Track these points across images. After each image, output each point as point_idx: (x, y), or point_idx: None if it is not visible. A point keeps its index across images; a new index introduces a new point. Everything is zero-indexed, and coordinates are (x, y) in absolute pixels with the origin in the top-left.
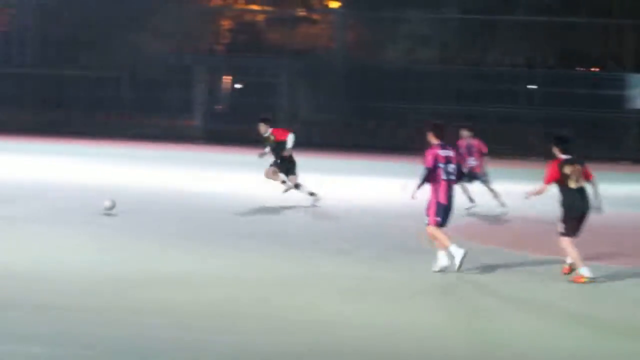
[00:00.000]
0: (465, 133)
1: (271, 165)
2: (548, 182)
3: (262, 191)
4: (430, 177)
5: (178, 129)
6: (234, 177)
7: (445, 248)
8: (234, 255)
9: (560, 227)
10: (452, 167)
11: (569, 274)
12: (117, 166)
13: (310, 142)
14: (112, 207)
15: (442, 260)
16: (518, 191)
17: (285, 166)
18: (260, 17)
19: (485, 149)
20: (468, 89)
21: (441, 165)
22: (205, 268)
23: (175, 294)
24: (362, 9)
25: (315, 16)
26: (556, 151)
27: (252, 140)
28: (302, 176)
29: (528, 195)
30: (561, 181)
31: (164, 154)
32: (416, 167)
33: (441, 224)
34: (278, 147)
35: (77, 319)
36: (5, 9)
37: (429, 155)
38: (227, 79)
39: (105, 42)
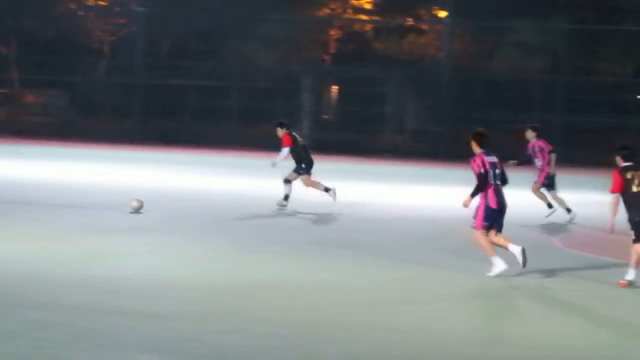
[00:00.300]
0: (530, 134)
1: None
2: (613, 190)
3: (362, 200)
4: (483, 185)
5: None
6: (341, 186)
7: (489, 255)
8: (336, 265)
9: (632, 234)
10: (498, 171)
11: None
12: (227, 175)
13: (416, 152)
14: (140, 207)
15: (498, 265)
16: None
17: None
18: (368, 27)
19: (548, 148)
20: (576, 99)
21: (489, 171)
22: (313, 276)
23: (286, 301)
24: (470, 19)
25: (423, 26)
26: (618, 160)
27: (360, 150)
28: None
29: (613, 210)
30: (625, 187)
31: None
32: (521, 176)
33: (488, 228)
34: (294, 151)
35: (194, 326)
36: (115, 19)
37: (477, 162)
38: (334, 89)
39: (214, 52)
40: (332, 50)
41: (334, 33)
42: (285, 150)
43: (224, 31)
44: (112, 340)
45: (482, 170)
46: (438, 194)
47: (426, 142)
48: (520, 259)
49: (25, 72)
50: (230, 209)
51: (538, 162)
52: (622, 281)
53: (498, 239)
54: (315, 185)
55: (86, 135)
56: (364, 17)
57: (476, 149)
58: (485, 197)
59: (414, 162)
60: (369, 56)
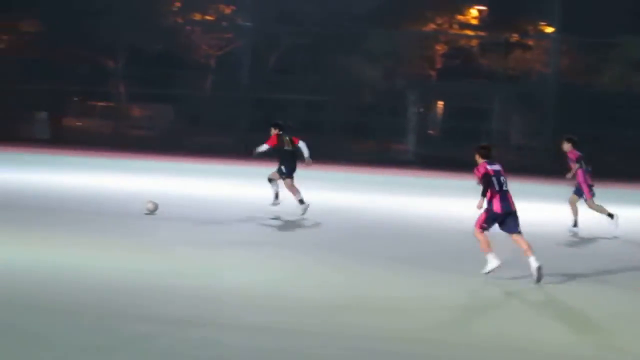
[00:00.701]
0: (566, 146)
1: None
2: None
3: (466, 215)
4: (486, 187)
5: (390, 153)
6: (443, 202)
7: (486, 252)
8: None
9: None
10: (503, 178)
11: None
12: (331, 190)
13: (521, 167)
14: (155, 209)
15: (491, 263)
16: None
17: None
18: (473, 42)
19: (575, 157)
20: None
21: (493, 178)
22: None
23: (387, 320)
24: (577, 34)
25: (529, 41)
26: None
27: (464, 165)
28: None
29: None
30: None
31: (376, 179)
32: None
33: (486, 229)
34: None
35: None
36: (222, 34)
37: (479, 169)
38: (439, 104)
39: (317, 67)
40: (438, 66)
41: (439, 48)
42: (265, 146)
43: (329, 46)
44: (216, 354)
45: (482, 174)
46: (541, 210)
47: (531, 158)
48: (535, 274)
49: (132, 86)
50: (335, 222)
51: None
52: None
53: (522, 242)
54: (294, 192)
55: (191, 149)
56: (469, 32)
57: (479, 160)
58: (491, 202)
59: (519, 177)
60: (474, 71)
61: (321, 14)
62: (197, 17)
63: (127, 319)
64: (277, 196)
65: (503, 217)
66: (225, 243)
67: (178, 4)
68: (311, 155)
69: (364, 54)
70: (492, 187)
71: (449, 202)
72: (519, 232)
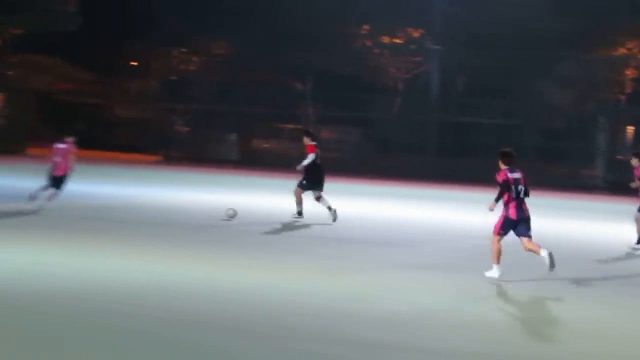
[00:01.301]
0: (635, 161)
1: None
2: None
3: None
4: (503, 192)
5: (579, 178)
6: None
7: (493, 261)
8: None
9: None
10: (521, 187)
11: None
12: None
13: None
14: (233, 216)
15: (495, 272)
16: None
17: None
18: None
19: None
20: None
21: (512, 185)
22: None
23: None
24: None
25: None
26: None
27: None
28: None
29: None
30: None
31: (565, 204)
32: None
33: (503, 235)
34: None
35: None
36: (410, 57)
37: (501, 175)
38: (629, 129)
39: (507, 90)
40: (628, 90)
41: (629, 73)
42: (311, 156)
43: (518, 70)
44: None
45: (505, 179)
46: None
47: None
48: (547, 261)
49: (320, 109)
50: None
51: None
52: None
53: (531, 245)
54: (299, 201)
55: (380, 172)
56: None
57: (502, 166)
58: (507, 209)
59: None
60: None
61: (510, 37)
62: (386, 40)
63: (319, 341)
64: (330, 209)
65: (517, 223)
66: (414, 266)
67: (367, 27)
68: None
69: (554, 77)
70: (510, 193)
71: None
72: (529, 237)
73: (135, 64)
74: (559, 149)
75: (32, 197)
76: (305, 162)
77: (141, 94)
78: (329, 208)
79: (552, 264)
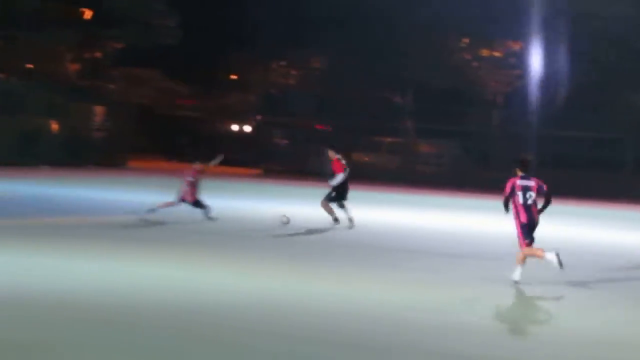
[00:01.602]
0: None
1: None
2: None
3: None
4: (508, 202)
5: None
6: None
7: (518, 264)
8: None
9: None
10: (530, 194)
11: None
12: (618, 228)
13: None
14: (287, 222)
15: (517, 273)
16: None
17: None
18: None
19: None
20: None
21: (519, 193)
22: None
23: None
24: None
25: None
26: None
27: None
28: None
29: None
30: None
31: None
32: None
33: (530, 244)
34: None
35: None
36: (510, 70)
37: (508, 184)
38: None
39: (607, 104)
40: None
41: None
42: (341, 176)
43: (619, 83)
44: None
45: (507, 192)
46: None
47: None
48: (555, 260)
49: (420, 122)
50: (616, 262)
51: None
52: None
53: (535, 250)
54: (329, 211)
55: (480, 185)
56: None
57: (518, 172)
58: (517, 215)
59: None
60: None
61: (610, 51)
62: (485, 53)
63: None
64: (350, 220)
65: (531, 226)
66: (497, 279)
67: (466, 41)
68: (601, 192)
69: None
70: (517, 199)
71: None
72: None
73: (234, 77)
74: None
75: (152, 211)
76: (336, 181)
77: (241, 107)
78: (350, 219)
79: (560, 264)
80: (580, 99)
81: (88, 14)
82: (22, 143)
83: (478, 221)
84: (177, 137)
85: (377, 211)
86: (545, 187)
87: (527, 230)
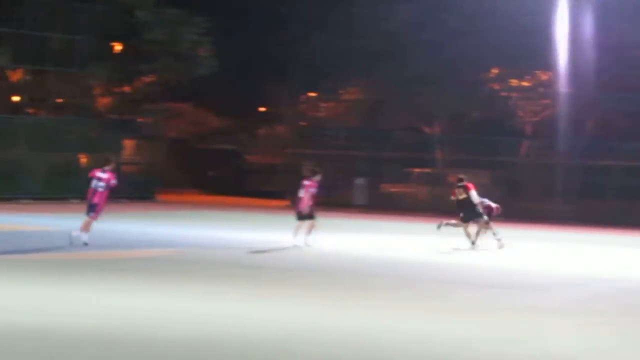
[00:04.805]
0: None
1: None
2: None
3: None
4: None
5: None
6: None
7: None
8: None
9: None
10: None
11: None
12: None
13: None
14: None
15: None
16: None
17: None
18: None
19: None
20: None
21: None
22: None
23: None
24: None
25: None
26: None
27: None
28: None
29: None
30: None
31: None
32: None
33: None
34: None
35: None
36: (539, 100)
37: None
38: None
39: (637, 132)
40: None
41: None
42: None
43: None
44: None
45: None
46: None
47: None
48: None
49: (450, 152)
50: None
51: None
52: None
53: None
54: (468, 234)
55: (511, 215)
56: None
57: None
58: None
59: None
60: None
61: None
62: (514, 82)
63: None
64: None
65: None
66: (549, 309)
67: (495, 71)
68: (632, 222)
69: None
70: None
71: None
72: None
73: (265, 109)
74: None
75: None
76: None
77: (270, 139)
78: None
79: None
80: (610, 128)
81: (119, 48)
82: (53, 177)
83: (516, 251)
84: (207, 169)
85: (411, 240)
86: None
87: None
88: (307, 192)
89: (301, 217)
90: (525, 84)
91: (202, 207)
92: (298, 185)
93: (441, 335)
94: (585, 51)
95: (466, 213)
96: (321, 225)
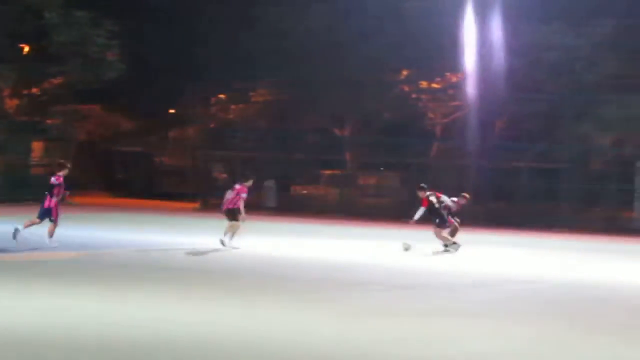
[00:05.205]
0: None
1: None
2: None
3: None
4: None
5: (619, 221)
6: None
7: None
8: None
9: None
10: None
11: None
12: (558, 257)
13: None
14: (409, 248)
15: None
16: None
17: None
18: None
19: None
20: None
21: None
22: None
23: None
24: None
25: None
26: None
27: None
28: None
29: None
30: None
31: (606, 247)
32: None
33: None
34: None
35: None
36: (449, 102)
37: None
38: None
39: (546, 134)
40: None
41: None
42: (422, 210)
43: (557, 113)
44: None
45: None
46: None
47: None
48: None
49: (359, 154)
50: (558, 292)
51: None
52: None
53: None
54: (443, 238)
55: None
56: None
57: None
58: None
59: None
60: None
61: (550, 81)
62: (424, 85)
63: None
64: (448, 245)
65: None
66: (443, 311)
67: (405, 73)
68: (538, 223)
69: (594, 121)
70: None
71: None
72: None
73: (176, 111)
74: (598, 192)
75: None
76: (417, 215)
77: (180, 141)
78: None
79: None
80: (519, 129)
81: (27, 49)
82: None
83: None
84: (117, 171)
85: (314, 243)
86: None
87: None
88: (237, 196)
89: (227, 215)
90: (435, 85)
91: (112, 210)
92: (209, 187)
93: (346, 337)
94: (494, 53)
95: (441, 218)
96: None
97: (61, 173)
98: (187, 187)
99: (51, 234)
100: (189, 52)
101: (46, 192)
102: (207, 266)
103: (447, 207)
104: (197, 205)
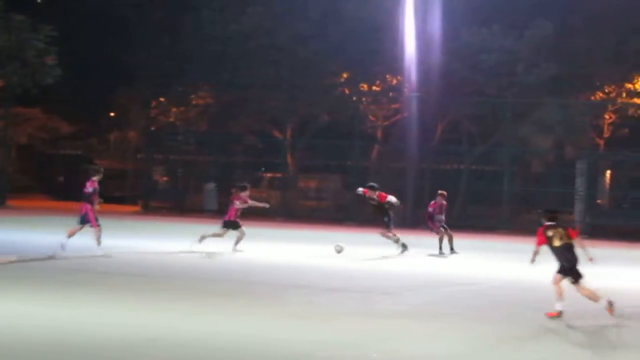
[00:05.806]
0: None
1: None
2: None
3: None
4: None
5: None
6: (611, 272)
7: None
8: None
9: None
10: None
11: None
12: (496, 259)
13: None
14: (341, 251)
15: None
16: None
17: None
18: None
19: None
20: None
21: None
22: None
23: None
24: None
25: None
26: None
27: (634, 235)
28: None
29: None
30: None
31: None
32: None
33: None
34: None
35: None
36: (389, 104)
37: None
38: (607, 173)
39: (487, 136)
40: (606, 135)
41: (608, 117)
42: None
43: (498, 115)
44: None
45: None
46: None
47: None
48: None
49: (300, 157)
50: (499, 293)
51: None
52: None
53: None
54: (387, 236)
55: (361, 220)
56: (638, 101)
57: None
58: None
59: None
60: None
61: (490, 84)
62: (364, 87)
63: None
64: (401, 245)
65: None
66: (389, 313)
67: (346, 75)
68: (479, 225)
69: (534, 123)
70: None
71: (618, 273)
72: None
73: (114, 114)
74: (538, 194)
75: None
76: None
77: (121, 144)
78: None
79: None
80: (460, 132)
81: None
82: None
83: (366, 254)
84: (57, 175)
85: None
86: None
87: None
88: (235, 205)
89: (226, 225)
90: (375, 88)
91: (52, 213)
92: (150, 190)
93: (281, 339)
94: (434, 55)
95: (389, 218)
96: (175, 232)
97: (95, 178)
98: (128, 190)
99: (98, 241)
100: (124, 55)
101: (83, 199)
102: (140, 270)
103: (427, 213)
104: (138, 208)
